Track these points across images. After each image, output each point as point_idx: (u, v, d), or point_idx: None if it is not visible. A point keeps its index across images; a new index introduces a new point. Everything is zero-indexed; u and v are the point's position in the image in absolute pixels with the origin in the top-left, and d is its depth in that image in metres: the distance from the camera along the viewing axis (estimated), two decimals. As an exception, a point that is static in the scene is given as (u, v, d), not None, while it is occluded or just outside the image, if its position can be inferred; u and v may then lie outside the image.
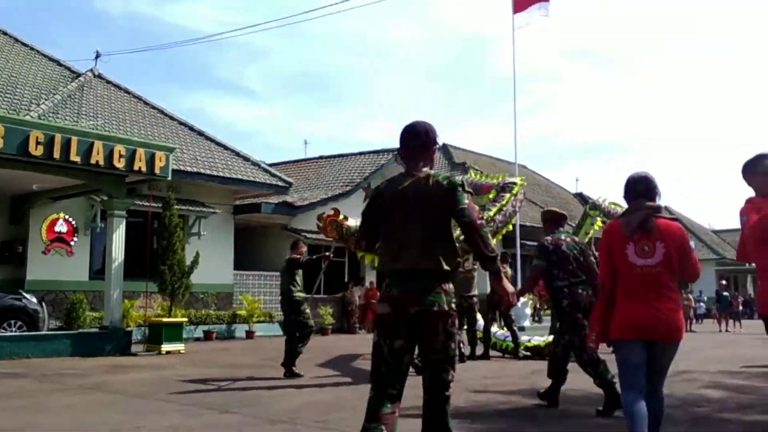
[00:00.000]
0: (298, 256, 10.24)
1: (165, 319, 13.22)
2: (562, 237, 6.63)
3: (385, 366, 3.33)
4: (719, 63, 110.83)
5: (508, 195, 11.33)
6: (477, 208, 3.38)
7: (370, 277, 22.95)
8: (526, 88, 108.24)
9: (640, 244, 3.96)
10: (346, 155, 24.38)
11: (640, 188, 4.15)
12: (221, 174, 18.19)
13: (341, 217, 9.67)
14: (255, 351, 13.86)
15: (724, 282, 30.76)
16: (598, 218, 15.62)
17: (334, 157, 24.77)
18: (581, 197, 41.94)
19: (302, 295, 10.16)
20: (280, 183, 19.32)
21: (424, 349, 3.36)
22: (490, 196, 11.61)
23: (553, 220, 6.94)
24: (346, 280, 22.35)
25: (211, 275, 18.25)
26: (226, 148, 19.69)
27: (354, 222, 9.30)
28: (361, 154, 23.87)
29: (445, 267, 3.33)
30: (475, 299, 12.15)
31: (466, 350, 11.97)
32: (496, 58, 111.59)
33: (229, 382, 8.49)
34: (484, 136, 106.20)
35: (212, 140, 19.72)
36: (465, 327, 12.21)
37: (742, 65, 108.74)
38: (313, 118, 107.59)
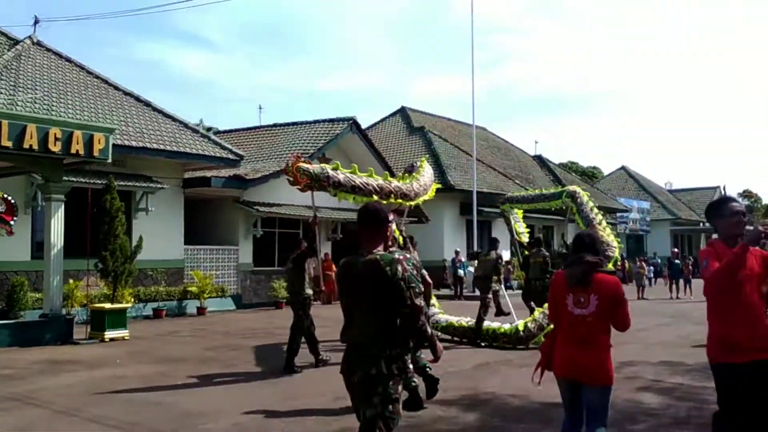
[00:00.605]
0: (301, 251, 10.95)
1: (108, 306, 12.89)
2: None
3: None
4: (680, 20, 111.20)
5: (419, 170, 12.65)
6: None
7: (325, 249, 22.75)
8: (484, 41, 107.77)
9: (578, 296, 4.37)
10: (301, 123, 23.89)
11: (587, 242, 4.57)
12: (168, 147, 17.66)
13: (303, 160, 9.88)
14: (203, 335, 13.64)
15: (675, 250, 31.25)
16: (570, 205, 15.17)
17: (287, 125, 24.24)
18: (540, 160, 42.07)
19: (310, 292, 10.74)
20: (230, 156, 18.87)
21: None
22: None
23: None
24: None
25: (160, 251, 17.89)
26: (174, 119, 19.10)
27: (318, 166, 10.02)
28: (315, 122, 23.39)
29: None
30: None
31: None
32: (454, 8, 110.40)
33: (163, 393, 8.18)
34: (443, 92, 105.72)
35: (160, 111, 19.10)
36: None
37: (700, 22, 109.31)
38: (273, 69, 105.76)
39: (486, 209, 27.23)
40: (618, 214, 42.74)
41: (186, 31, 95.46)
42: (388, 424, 3.58)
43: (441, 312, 13.43)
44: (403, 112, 35.14)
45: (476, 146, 34.58)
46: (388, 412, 3.58)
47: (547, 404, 7.37)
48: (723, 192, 48.87)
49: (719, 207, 4.40)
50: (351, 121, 22.62)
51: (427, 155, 29.83)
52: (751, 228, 4.27)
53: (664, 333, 13.81)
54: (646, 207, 47.55)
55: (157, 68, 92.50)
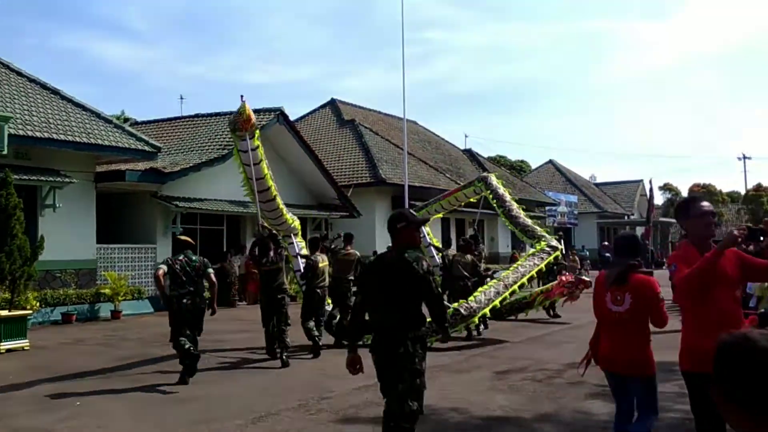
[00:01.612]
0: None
1: (4, 313, 11.59)
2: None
3: None
4: (603, 14, 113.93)
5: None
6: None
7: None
8: (412, 36, 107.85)
9: (615, 294, 4.70)
10: (224, 114, 22.66)
11: (627, 246, 4.91)
12: (78, 139, 16.27)
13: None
14: (114, 343, 12.48)
15: (606, 243, 31.48)
16: (483, 191, 15.08)
17: (210, 115, 22.97)
18: (470, 154, 41.88)
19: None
20: (146, 147, 17.58)
21: None
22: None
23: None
24: (224, 249, 21.02)
25: (69, 251, 16.56)
26: (84, 108, 17.68)
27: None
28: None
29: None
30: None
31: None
32: (384, 3, 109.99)
33: (53, 419, 7.12)
34: (372, 87, 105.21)
35: (69, 100, 17.65)
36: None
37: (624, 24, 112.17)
38: (198, 61, 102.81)
39: (418, 203, 26.60)
40: (547, 208, 43.01)
41: (107, 19, 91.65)
42: (418, 393, 4.40)
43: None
44: (332, 104, 34.22)
45: (407, 140, 34.12)
46: (416, 385, 4.39)
47: (491, 419, 6.73)
48: (649, 186, 49.92)
49: (687, 207, 4.33)
50: (278, 112, 21.60)
51: (359, 148, 29.21)
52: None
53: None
54: (574, 200, 48.10)
55: (77, 59, 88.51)
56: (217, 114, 22.96)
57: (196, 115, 23.61)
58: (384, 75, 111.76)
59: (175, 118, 24.39)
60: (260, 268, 11.13)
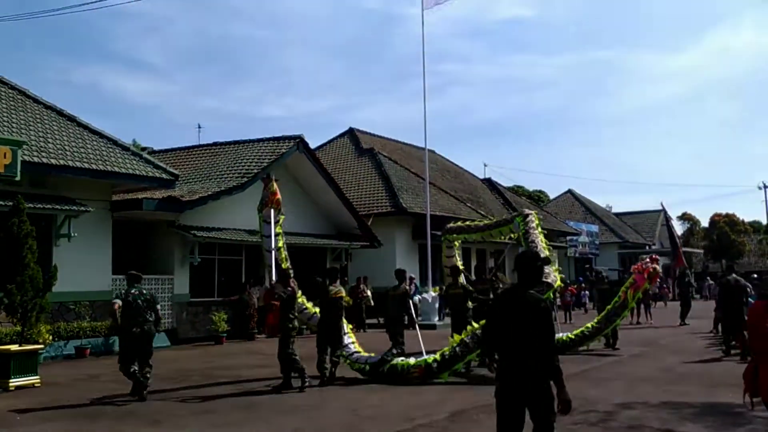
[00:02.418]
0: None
1: (14, 348, 10.97)
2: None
3: None
4: (621, 46, 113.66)
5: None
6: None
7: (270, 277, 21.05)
8: (428, 68, 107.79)
9: None
10: (243, 142, 22.25)
11: None
12: (94, 166, 15.80)
13: None
14: (125, 381, 11.79)
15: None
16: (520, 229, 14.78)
17: (229, 143, 22.55)
18: (489, 183, 41.29)
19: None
20: (164, 175, 17.09)
21: None
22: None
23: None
24: (243, 280, 20.39)
25: (84, 281, 16.00)
26: (101, 136, 17.25)
27: None
28: (259, 141, 21.79)
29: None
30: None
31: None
32: (399, 35, 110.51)
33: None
34: (390, 117, 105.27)
35: (85, 127, 17.24)
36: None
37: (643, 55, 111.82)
38: (214, 93, 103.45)
39: (439, 233, 25.90)
40: (568, 237, 42.21)
41: (124, 54, 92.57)
42: (553, 425, 4.53)
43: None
44: (351, 133, 33.80)
45: (428, 169, 33.58)
46: (553, 416, 4.52)
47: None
48: (665, 214, 48.81)
49: None
50: (298, 140, 21.11)
51: (378, 177, 28.66)
52: None
53: (644, 365, 12.59)
54: (595, 230, 47.25)
55: (95, 93, 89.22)
56: (236, 142, 22.52)
57: (214, 144, 23.18)
58: (399, 107, 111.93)
59: (193, 147, 23.98)
60: (327, 297, 11.65)
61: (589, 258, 47.30)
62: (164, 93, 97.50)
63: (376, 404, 8.89)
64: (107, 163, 16.21)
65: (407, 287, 12.75)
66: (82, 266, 15.89)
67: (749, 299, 14.83)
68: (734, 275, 15.47)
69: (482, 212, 32.37)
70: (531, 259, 4.87)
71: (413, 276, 23.63)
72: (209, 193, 18.56)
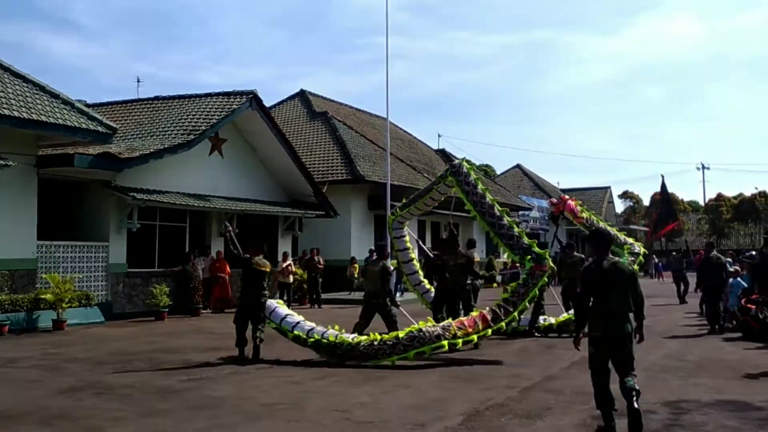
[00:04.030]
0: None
1: None
2: None
3: None
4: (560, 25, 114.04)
5: None
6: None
7: (217, 246, 19.14)
8: (365, 41, 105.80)
9: None
10: (189, 97, 20.04)
11: None
12: (16, 113, 13.54)
13: None
14: (55, 365, 9.87)
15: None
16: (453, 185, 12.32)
17: (173, 98, 20.28)
18: (444, 154, 39.91)
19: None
20: (100, 128, 14.90)
21: None
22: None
23: None
24: (186, 249, 18.40)
25: (3, 248, 13.90)
26: (26, 80, 14.93)
27: None
28: (207, 96, 19.63)
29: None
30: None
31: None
32: (338, 6, 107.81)
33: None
34: (331, 89, 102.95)
35: (6, 69, 14.88)
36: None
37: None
38: (148, 59, 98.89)
39: (397, 204, 24.28)
40: (520, 212, 41.33)
41: (52, 13, 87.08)
42: (633, 356, 5.94)
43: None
44: (302, 95, 31.79)
45: (383, 138, 31.84)
46: (632, 351, 5.94)
47: None
48: (663, 187, 48.16)
49: None
50: (251, 96, 19.08)
51: (332, 142, 26.87)
52: None
53: (645, 351, 11.33)
54: (545, 205, 46.48)
55: (22, 53, 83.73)
56: (181, 97, 20.32)
57: (156, 98, 20.87)
58: (340, 78, 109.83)
59: (132, 101, 21.61)
60: (250, 268, 11.18)
61: (538, 233, 46.73)
62: (96, 56, 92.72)
63: (367, 402, 7.28)
64: (32, 110, 13.96)
65: (388, 264, 11.62)
66: (1, 231, 13.76)
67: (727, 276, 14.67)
68: (715, 252, 15.20)
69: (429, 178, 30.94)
70: (606, 236, 6.57)
71: (373, 248, 22.01)
72: (151, 150, 16.45)
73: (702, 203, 77.05)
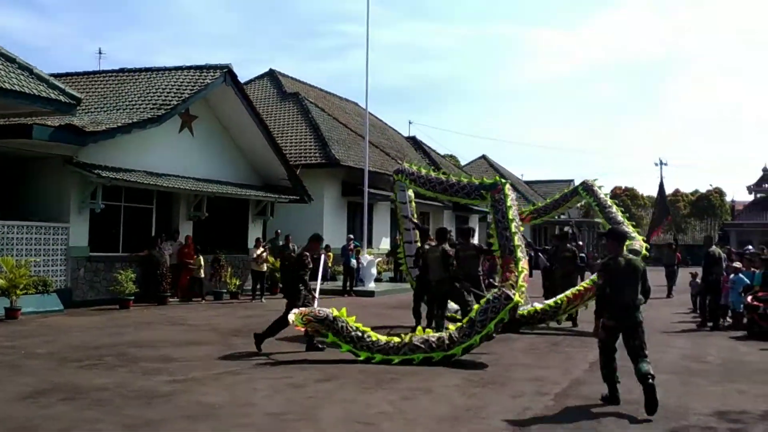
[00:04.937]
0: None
1: None
2: None
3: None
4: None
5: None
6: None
7: (186, 230, 17.90)
8: (328, 28, 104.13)
9: None
10: (158, 69, 18.63)
11: None
12: (-32, 78, 12.13)
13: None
14: (10, 361, 8.62)
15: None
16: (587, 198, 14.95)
17: (141, 71, 18.80)
18: (414, 141, 39.07)
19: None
20: (62, 98, 13.49)
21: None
22: None
23: None
24: (153, 233, 17.11)
25: (-49, 227, 12.44)
26: (-21, 41, 13.45)
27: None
28: (177, 69, 18.26)
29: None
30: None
31: None
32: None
33: None
34: (294, 74, 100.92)
35: (-43, 28, 13.37)
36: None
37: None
38: (106, 39, 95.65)
39: (372, 190, 23.32)
40: (489, 204, 40.70)
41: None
42: (645, 344, 6.57)
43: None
44: (271, 75, 30.48)
45: (354, 122, 30.80)
46: (644, 339, 6.58)
47: None
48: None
49: None
50: (225, 70, 17.82)
51: (305, 124, 25.73)
52: None
53: (660, 351, 10.61)
54: (514, 197, 46.09)
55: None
56: (149, 69, 18.90)
57: (122, 70, 19.38)
58: (302, 65, 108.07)
59: (94, 73, 20.06)
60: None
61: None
62: (52, 35, 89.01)
63: (390, 412, 6.32)
64: (-14, 75, 12.53)
65: (447, 247, 10.84)
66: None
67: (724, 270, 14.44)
68: (714, 246, 14.89)
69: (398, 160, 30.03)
70: (623, 234, 7.76)
71: (352, 236, 21.02)
72: (119, 124, 15.10)
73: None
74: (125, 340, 10.40)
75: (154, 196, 17.24)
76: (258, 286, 17.90)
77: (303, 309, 9.16)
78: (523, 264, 10.80)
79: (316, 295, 10.21)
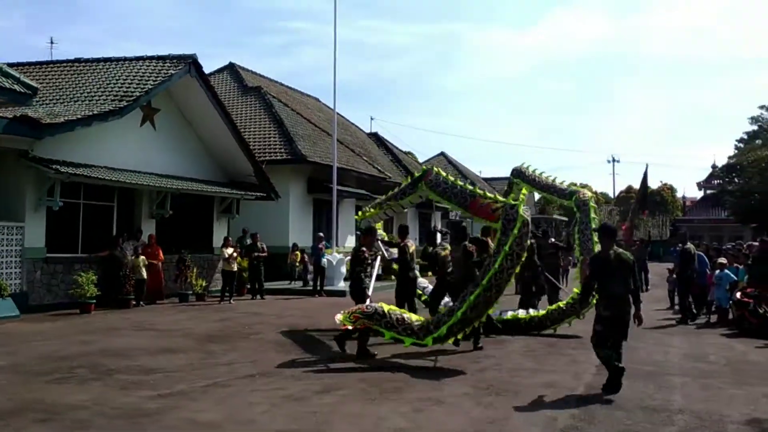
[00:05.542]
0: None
1: None
2: None
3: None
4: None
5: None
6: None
7: (149, 229, 16.98)
8: (276, 25, 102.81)
9: None
10: (118, 59, 17.63)
11: None
12: None
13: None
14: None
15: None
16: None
17: (98, 60, 17.76)
18: (377, 138, 38.48)
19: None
20: (17, 87, 12.51)
21: None
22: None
23: None
24: (114, 232, 16.15)
25: None
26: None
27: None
28: (139, 59, 17.29)
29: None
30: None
31: None
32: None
33: None
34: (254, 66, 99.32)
35: None
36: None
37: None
38: (47, 32, 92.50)
39: (338, 187, 22.62)
40: (450, 201, 40.38)
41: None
42: (626, 337, 7.17)
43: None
44: (231, 68, 29.45)
45: (317, 118, 30.04)
46: (627, 330, 7.13)
47: None
48: (645, 175, 48.15)
49: None
50: (190, 61, 16.95)
51: (268, 119, 24.92)
52: None
53: (658, 350, 10.29)
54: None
55: None
56: (108, 59, 17.88)
57: (78, 60, 18.29)
58: (253, 62, 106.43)
59: (48, 62, 18.91)
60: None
61: (459, 221, 46.10)
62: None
63: (406, 428, 5.74)
64: (-67, 61, 11.50)
65: (468, 244, 10.44)
66: None
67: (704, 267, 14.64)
68: (690, 244, 15.20)
69: (377, 167, 29.50)
70: (613, 229, 7.57)
71: (322, 234, 20.31)
72: (78, 116, 14.14)
73: (612, 195, 79.21)
74: (94, 349, 9.58)
75: (116, 193, 16.27)
76: (227, 288, 17.08)
77: (351, 308, 8.94)
78: None
79: (369, 293, 10.04)
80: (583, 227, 12.34)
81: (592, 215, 12.40)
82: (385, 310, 8.78)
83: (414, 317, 8.99)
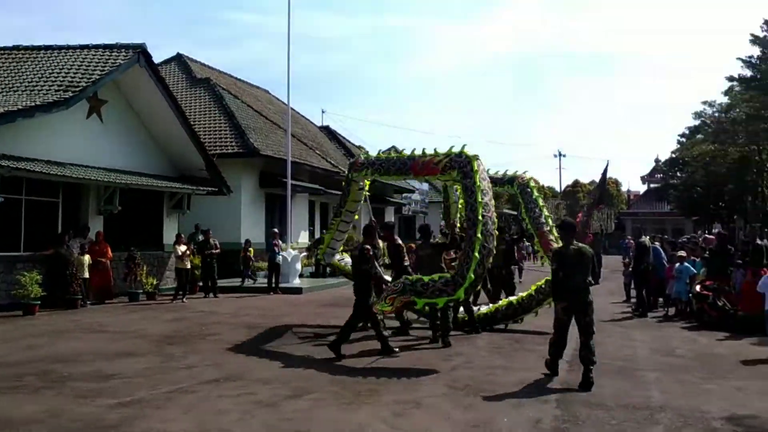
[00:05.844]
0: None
1: None
2: None
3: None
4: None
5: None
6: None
7: (96, 226, 16.30)
8: (218, 15, 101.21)
9: None
10: (62, 48, 16.80)
11: None
12: None
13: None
14: None
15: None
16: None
17: (40, 48, 16.89)
18: (328, 131, 38.05)
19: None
20: (-46, 76, 11.79)
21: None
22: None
23: None
24: (59, 229, 15.42)
25: None
26: None
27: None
28: (84, 47, 16.51)
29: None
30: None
31: None
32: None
33: None
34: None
35: None
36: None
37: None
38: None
39: (291, 182, 22.15)
40: (404, 195, 40.32)
41: None
42: (593, 322, 7.41)
43: None
44: (179, 59, 28.62)
45: (268, 110, 29.46)
46: (593, 318, 7.40)
47: None
48: (605, 173, 48.00)
49: None
50: (139, 50, 16.29)
51: (218, 112, 24.28)
52: None
53: (624, 344, 10.28)
54: (426, 189, 45.86)
55: None
56: (50, 47, 17.05)
57: (17, 47, 17.39)
58: (198, 54, 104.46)
59: (-14, 50, 17.91)
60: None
61: (410, 217, 46.03)
62: None
63: (386, 433, 5.47)
64: None
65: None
66: None
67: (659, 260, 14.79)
68: (645, 237, 15.71)
69: (330, 161, 29.11)
70: (573, 225, 8.04)
71: (277, 231, 19.84)
72: (19, 107, 13.40)
73: (559, 189, 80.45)
74: (43, 354, 9.02)
75: (61, 189, 15.53)
76: (182, 286, 16.51)
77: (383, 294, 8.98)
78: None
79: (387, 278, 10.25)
80: (531, 206, 12.18)
81: (536, 194, 12.35)
82: (411, 280, 8.85)
83: (436, 276, 8.99)
